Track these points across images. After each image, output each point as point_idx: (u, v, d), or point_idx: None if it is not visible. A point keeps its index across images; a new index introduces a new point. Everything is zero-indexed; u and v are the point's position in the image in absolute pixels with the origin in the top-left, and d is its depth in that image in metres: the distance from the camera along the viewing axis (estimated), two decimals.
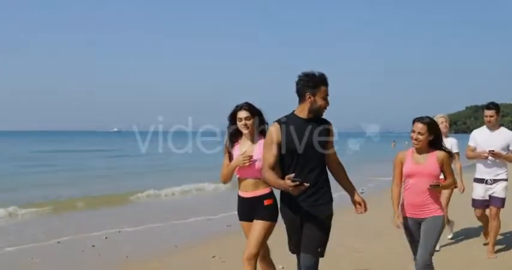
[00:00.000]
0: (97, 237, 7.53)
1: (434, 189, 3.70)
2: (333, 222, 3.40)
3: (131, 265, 5.90)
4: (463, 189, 5.97)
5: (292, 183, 2.93)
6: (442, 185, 3.73)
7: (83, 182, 16.54)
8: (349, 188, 3.49)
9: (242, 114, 3.72)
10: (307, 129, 3.30)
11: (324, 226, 3.35)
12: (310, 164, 3.30)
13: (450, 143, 5.91)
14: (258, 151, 3.63)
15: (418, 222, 3.76)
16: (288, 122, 3.34)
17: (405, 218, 3.81)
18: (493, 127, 5.56)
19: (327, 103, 3.35)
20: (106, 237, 7.51)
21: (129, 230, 8.17)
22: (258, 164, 3.62)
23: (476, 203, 5.72)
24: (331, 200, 3.39)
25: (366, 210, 3.43)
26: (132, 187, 14.11)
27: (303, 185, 2.95)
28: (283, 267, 5.25)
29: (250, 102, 3.81)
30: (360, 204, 3.41)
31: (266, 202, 3.68)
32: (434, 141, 3.74)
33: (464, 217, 7.20)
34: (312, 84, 3.28)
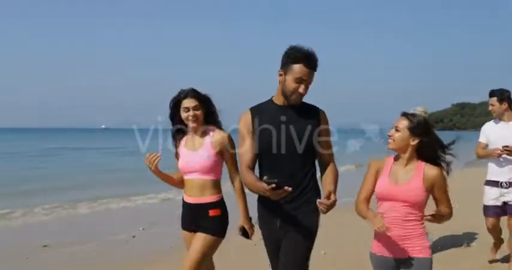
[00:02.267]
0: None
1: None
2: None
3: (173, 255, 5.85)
4: None
5: (267, 187, 2.25)
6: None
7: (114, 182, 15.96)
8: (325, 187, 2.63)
9: (189, 102, 3.02)
10: (281, 120, 2.61)
11: (303, 243, 2.63)
12: (284, 163, 2.61)
13: None
14: (207, 147, 3.04)
15: (395, 264, 2.64)
16: (259, 109, 2.69)
17: (374, 256, 2.69)
18: (507, 118, 4.54)
19: (300, 88, 2.53)
20: (143, 228, 7.83)
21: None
22: (205, 162, 3.01)
23: (488, 211, 4.60)
24: (316, 209, 2.52)
25: (325, 208, 2.43)
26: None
27: (283, 190, 2.26)
28: (325, 253, 5.07)
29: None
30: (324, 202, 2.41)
31: (212, 212, 3.02)
32: (424, 151, 2.62)
33: (460, 225, 6.49)
34: (290, 59, 2.55)
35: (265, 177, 2.31)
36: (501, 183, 4.47)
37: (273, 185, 2.24)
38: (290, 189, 2.28)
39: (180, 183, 3.21)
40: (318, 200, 2.43)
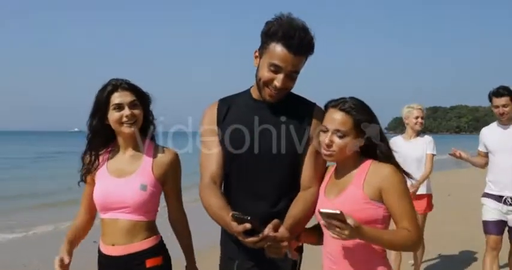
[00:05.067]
0: None
1: (335, 235, 1.57)
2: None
3: None
4: (413, 192, 4.17)
5: (239, 228, 1.55)
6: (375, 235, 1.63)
7: None
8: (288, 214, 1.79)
9: (123, 96, 2.04)
10: (255, 117, 1.88)
11: None
12: (256, 182, 1.87)
13: (426, 142, 4.40)
14: (145, 172, 2.06)
15: None
16: (231, 102, 1.96)
17: None
18: (507, 122, 3.80)
19: (276, 80, 1.78)
20: None
21: None
22: (140, 196, 2.02)
23: (489, 227, 3.77)
24: (299, 249, 1.92)
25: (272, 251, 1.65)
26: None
27: (263, 237, 1.56)
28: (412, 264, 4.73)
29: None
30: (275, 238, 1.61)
31: (150, 263, 2.06)
32: (371, 149, 1.79)
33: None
34: (265, 35, 1.80)
35: (232, 212, 1.58)
36: (505, 198, 3.70)
37: (247, 226, 1.53)
38: (273, 234, 1.57)
39: (86, 230, 2.22)
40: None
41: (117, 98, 2.04)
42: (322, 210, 1.54)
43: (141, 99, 2.10)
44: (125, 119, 2.03)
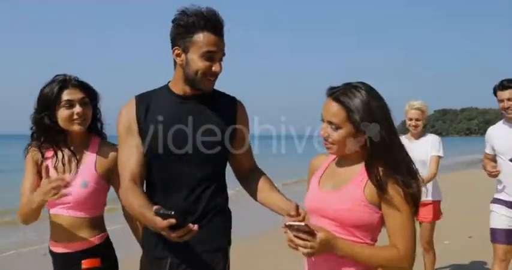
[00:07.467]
0: None
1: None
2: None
3: None
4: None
5: (164, 223, 1.55)
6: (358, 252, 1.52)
7: None
8: (275, 197, 1.90)
9: (74, 93, 2.05)
10: (182, 116, 1.88)
11: None
12: (181, 178, 1.87)
13: (431, 142, 4.02)
14: (88, 169, 2.07)
15: None
16: (150, 99, 1.93)
17: None
18: None
19: (213, 67, 1.82)
20: None
21: None
22: (80, 192, 2.02)
23: (497, 236, 3.48)
24: (226, 243, 1.93)
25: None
26: None
27: (187, 229, 1.57)
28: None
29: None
30: (294, 212, 1.67)
31: (85, 265, 2.02)
32: (377, 156, 1.59)
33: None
34: (183, 29, 1.82)
35: (155, 207, 1.59)
36: None
37: (172, 221, 1.53)
38: (196, 227, 1.58)
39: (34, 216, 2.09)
40: (287, 223, 1.50)
41: (67, 95, 2.04)
42: (287, 223, 1.47)
43: (90, 96, 2.12)
44: (75, 117, 2.04)
